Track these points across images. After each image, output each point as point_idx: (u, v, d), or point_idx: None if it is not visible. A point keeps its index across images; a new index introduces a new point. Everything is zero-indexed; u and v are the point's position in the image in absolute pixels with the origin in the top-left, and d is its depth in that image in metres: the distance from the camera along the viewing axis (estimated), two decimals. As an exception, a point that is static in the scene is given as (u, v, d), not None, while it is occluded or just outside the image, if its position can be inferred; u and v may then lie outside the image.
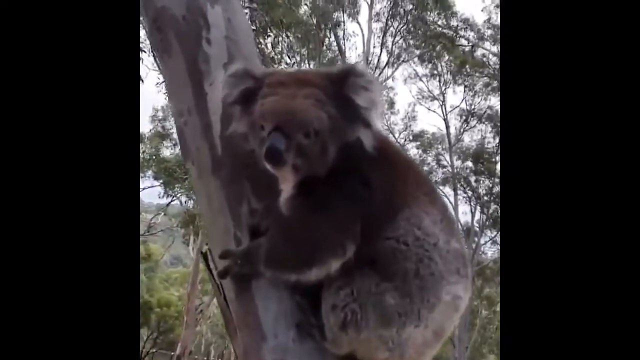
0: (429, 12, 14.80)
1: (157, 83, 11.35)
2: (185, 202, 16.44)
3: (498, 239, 15.77)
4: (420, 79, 17.75)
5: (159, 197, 16.79)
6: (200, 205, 1.39)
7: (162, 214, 19.22)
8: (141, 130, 14.94)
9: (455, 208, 17.23)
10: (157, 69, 13.27)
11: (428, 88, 17.98)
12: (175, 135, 15.87)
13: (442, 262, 1.19)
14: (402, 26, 15.28)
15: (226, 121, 1.26)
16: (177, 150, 16.09)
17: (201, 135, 1.31)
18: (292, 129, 1.10)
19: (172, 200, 17.12)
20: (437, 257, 1.18)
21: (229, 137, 1.26)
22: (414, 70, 17.39)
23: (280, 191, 1.22)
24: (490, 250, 18.96)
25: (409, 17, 14.84)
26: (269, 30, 6.97)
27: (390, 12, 15.07)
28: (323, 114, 1.12)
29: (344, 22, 14.83)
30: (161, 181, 16.14)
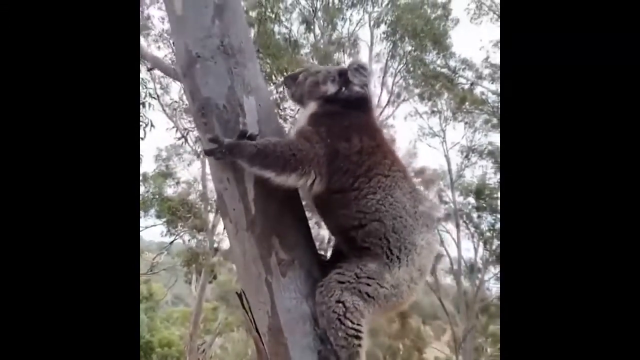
0: (427, 53, 15.04)
1: (167, 128, 11.64)
2: (188, 240, 16.37)
3: (502, 275, 15.51)
4: (421, 116, 17.96)
5: (162, 236, 16.70)
6: (236, 255, 1.56)
7: (165, 252, 19.08)
8: (145, 169, 15.06)
9: (458, 244, 17.19)
10: (162, 110, 13.56)
11: (429, 125, 18.20)
12: (178, 174, 16.02)
13: (412, 219, 1.50)
14: (402, 67, 15.53)
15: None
16: (180, 189, 16.22)
17: (238, 200, 1.50)
18: None
19: (175, 239, 17.05)
20: (407, 216, 1.49)
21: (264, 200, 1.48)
22: (414, 107, 17.65)
23: None
24: (495, 287, 18.68)
25: (407, 58, 15.09)
26: (274, 77, 7.30)
27: (390, 53, 15.35)
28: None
29: (344, 62, 15.10)
30: (164, 220, 16.09)
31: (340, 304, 1.39)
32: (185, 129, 10.07)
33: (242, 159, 1.41)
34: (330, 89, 1.64)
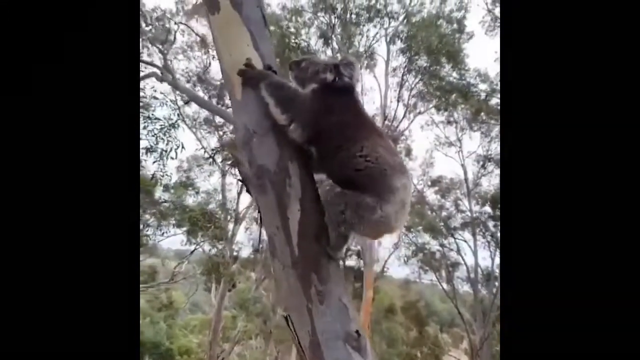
0: (442, 68, 15.14)
1: (196, 149, 12.02)
2: (208, 249, 16.70)
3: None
4: (437, 126, 18.21)
5: (182, 244, 17.00)
6: (283, 286, 1.95)
7: (186, 261, 19.42)
8: (167, 180, 15.48)
9: (475, 253, 17.30)
10: (183, 121, 13.97)
11: (445, 134, 18.43)
12: (198, 184, 16.39)
13: (391, 169, 1.94)
14: (417, 80, 15.71)
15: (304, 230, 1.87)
16: (200, 199, 16.64)
17: (285, 244, 1.89)
18: None
19: (195, 248, 17.35)
20: (388, 167, 1.93)
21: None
22: (431, 117, 17.82)
23: None
24: (511, 295, 18.56)
25: (423, 73, 15.23)
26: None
27: (406, 68, 15.56)
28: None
29: (361, 76, 15.32)
30: (184, 229, 16.41)
31: (343, 215, 1.85)
32: (213, 149, 10.51)
33: (261, 82, 1.90)
34: (329, 77, 2.09)
